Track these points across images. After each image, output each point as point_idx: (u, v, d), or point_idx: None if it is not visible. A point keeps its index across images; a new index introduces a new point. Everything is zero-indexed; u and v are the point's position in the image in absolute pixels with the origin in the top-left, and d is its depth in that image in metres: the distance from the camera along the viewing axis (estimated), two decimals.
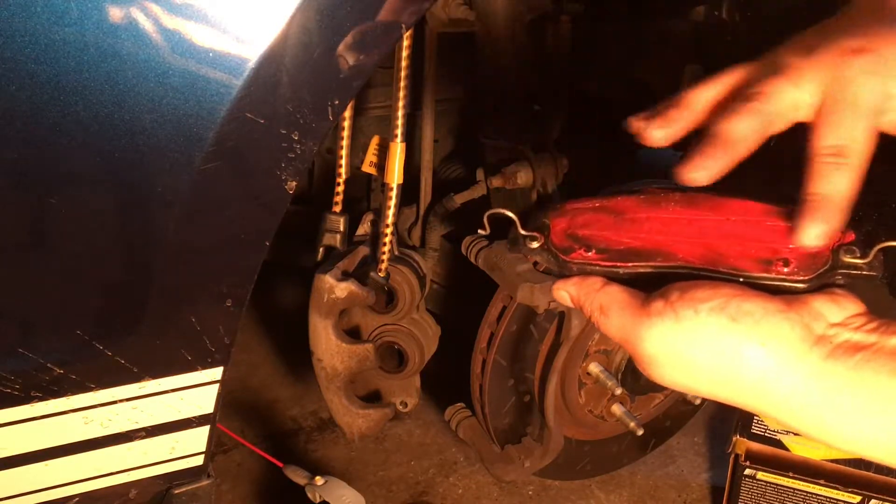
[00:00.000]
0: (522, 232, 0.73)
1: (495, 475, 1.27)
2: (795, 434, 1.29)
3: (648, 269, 0.67)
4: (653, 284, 0.64)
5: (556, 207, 0.81)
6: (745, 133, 0.61)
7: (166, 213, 0.69)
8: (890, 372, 0.52)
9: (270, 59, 0.65)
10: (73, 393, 0.75)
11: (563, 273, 0.71)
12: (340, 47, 0.68)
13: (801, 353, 0.55)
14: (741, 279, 0.64)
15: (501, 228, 1.35)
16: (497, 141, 1.34)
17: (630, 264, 0.67)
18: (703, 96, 0.68)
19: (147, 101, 0.64)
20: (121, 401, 0.78)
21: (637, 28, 1.65)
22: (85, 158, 0.65)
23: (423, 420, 1.61)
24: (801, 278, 0.63)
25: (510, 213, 0.76)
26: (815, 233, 0.60)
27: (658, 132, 0.67)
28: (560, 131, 1.45)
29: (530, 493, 1.46)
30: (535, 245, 0.72)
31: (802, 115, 0.62)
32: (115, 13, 0.61)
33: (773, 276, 0.64)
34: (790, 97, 0.61)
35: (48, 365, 0.72)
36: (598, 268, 0.68)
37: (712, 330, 0.58)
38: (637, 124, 0.67)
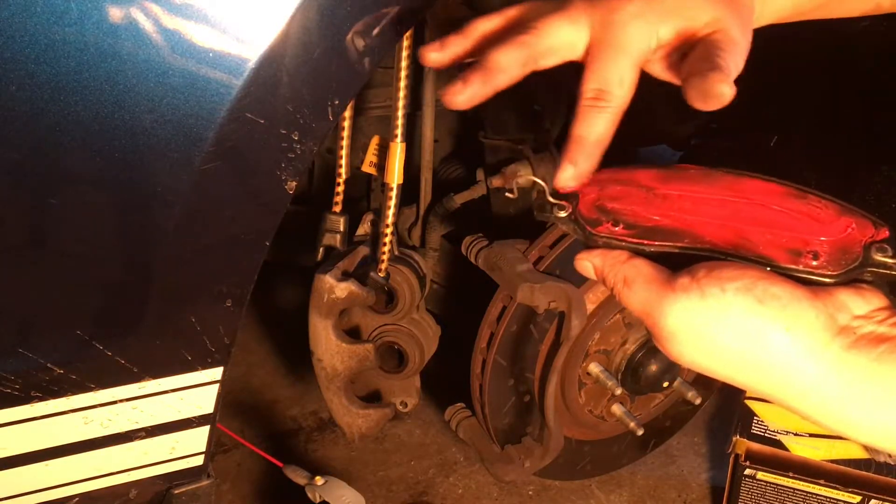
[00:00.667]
0: (551, 199, 0.70)
1: (495, 475, 1.27)
2: (796, 434, 1.29)
3: (675, 249, 0.66)
4: (679, 265, 0.63)
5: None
6: (508, 63, 0.63)
7: (166, 213, 0.69)
8: None
9: (270, 59, 0.65)
10: (74, 393, 0.75)
11: (588, 245, 0.70)
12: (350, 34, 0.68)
13: (825, 342, 0.55)
14: (769, 268, 0.63)
15: (502, 229, 1.35)
16: (497, 141, 1.34)
17: (657, 242, 0.66)
18: (484, 26, 0.70)
19: (147, 102, 0.64)
20: (121, 401, 0.78)
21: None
22: (85, 158, 0.65)
23: (423, 420, 1.61)
24: (830, 273, 0.63)
25: (539, 180, 0.74)
26: (567, 175, 0.64)
27: (434, 54, 0.69)
28: (560, 131, 1.45)
29: (530, 493, 1.46)
30: (562, 214, 0.70)
31: (578, 55, 0.65)
32: (115, 13, 0.61)
33: (801, 267, 0.63)
34: (565, 35, 0.64)
35: (48, 365, 0.72)
36: (624, 243, 0.67)
37: (737, 310, 0.57)
38: (420, 49, 0.69)
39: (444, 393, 1.44)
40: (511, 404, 1.24)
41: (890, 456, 1.25)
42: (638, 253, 0.68)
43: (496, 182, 1.32)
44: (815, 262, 0.63)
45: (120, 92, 0.63)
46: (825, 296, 0.58)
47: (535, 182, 0.77)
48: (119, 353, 0.75)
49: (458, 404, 1.31)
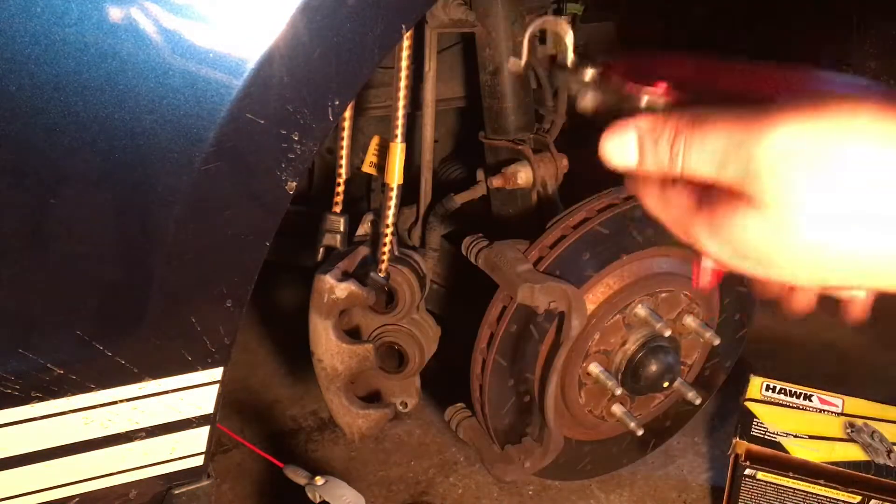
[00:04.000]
0: (573, 58, 0.57)
1: (495, 475, 1.27)
2: (796, 437, 1.29)
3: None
4: None
5: (618, 52, 0.68)
6: None
7: (166, 214, 0.69)
8: None
9: (270, 60, 0.65)
10: (74, 393, 0.75)
11: (627, 112, 0.54)
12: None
13: None
14: None
15: (502, 229, 1.35)
16: (497, 141, 1.34)
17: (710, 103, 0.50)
18: None
19: (147, 102, 0.64)
20: (121, 401, 0.78)
21: (638, 28, 1.65)
22: (85, 159, 0.65)
23: (423, 420, 1.61)
24: None
25: (561, 31, 0.60)
26: None
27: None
28: (560, 131, 1.45)
29: (530, 493, 1.46)
30: (590, 74, 0.56)
31: None
32: (115, 14, 0.61)
33: None
34: None
35: (48, 365, 0.72)
36: (675, 105, 0.52)
37: (874, 135, 0.42)
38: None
39: (444, 393, 1.44)
40: (511, 404, 1.24)
41: (889, 457, 1.25)
42: None
43: (496, 182, 1.32)
44: None
45: (120, 92, 0.63)
46: None
47: (559, 33, 0.63)
48: (119, 353, 0.75)
49: (458, 404, 1.31)
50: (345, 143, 1.12)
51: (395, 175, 1.09)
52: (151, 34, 0.62)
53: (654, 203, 0.53)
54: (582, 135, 1.64)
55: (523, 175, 1.29)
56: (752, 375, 1.40)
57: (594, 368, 1.22)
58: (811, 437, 1.29)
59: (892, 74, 1.28)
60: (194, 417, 0.83)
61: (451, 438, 1.54)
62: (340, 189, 1.14)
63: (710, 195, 0.48)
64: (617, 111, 0.55)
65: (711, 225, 0.48)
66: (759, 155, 0.43)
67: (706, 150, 0.46)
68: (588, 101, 0.58)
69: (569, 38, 0.58)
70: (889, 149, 0.41)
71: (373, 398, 1.35)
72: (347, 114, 1.12)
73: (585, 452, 1.38)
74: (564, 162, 1.31)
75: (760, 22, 1.52)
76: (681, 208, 0.51)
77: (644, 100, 0.54)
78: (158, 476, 0.86)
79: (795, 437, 1.29)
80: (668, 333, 1.19)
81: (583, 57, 0.57)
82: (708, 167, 0.46)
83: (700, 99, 0.52)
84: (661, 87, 0.53)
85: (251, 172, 0.72)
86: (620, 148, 0.52)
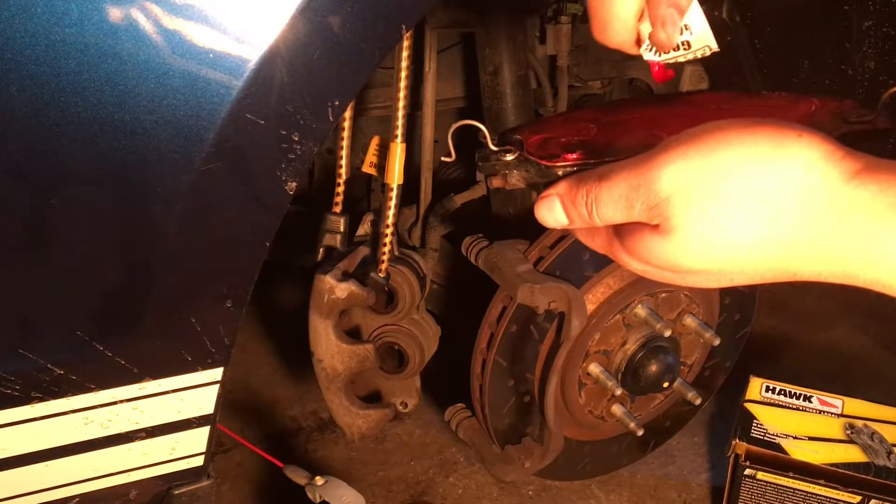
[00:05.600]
0: (493, 147, 0.66)
1: (495, 475, 1.27)
2: (795, 438, 1.29)
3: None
4: None
5: (528, 125, 0.76)
6: None
7: (167, 214, 0.69)
8: None
9: (270, 60, 0.65)
10: (74, 393, 0.75)
11: (548, 182, 0.62)
12: None
13: (838, 178, 0.50)
14: None
15: (502, 229, 1.35)
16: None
17: (616, 158, 0.58)
18: None
19: (147, 102, 0.64)
20: (121, 401, 0.78)
21: None
22: (85, 159, 0.65)
23: (423, 420, 1.61)
24: None
25: (478, 124, 0.68)
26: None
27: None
28: None
29: (530, 493, 1.46)
30: (509, 158, 0.65)
31: None
32: (116, 14, 0.61)
33: None
34: None
35: (48, 366, 0.72)
36: (586, 165, 0.60)
37: (749, 156, 0.51)
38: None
39: (444, 393, 1.44)
40: (511, 404, 1.24)
41: (889, 458, 1.25)
42: None
43: (496, 182, 1.32)
44: None
45: (120, 93, 0.63)
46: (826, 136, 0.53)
47: (477, 127, 0.72)
48: (119, 353, 0.75)
49: (458, 404, 1.31)
50: (345, 143, 1.12)
51: (395, 175, 1.09)
52: (151, 34, 0.62)
53: (584, 237, 0.63)
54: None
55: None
56: (752, 376, 1.40)
57: (594, 368, 1.22)
58: (811, 439, 1.29)
59: (892, 74, 1.28)
60: (194, 418, 0.83)
61: (451, 438, 1.54)
62: (340, 189, 1.14)
63: (624, 228, 0.57)
64: (542, 182, 0.64)
65: (631, 252, 0.57)
66: (653, 194, 0.53)
67: (613, 201, 0.56)
68: (515, 179, 0.67)
69: (487, 133, 0.65)
70: (753, 178, 0.50)
71: (373, 398, 1.35)
72: (347, 114, 1.12)
73: (585, 452, 1.38)
74: None
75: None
76: (605, 240, 0.61)
77: (560, 171, 0.62)
78: (158, 476, 0.86)
79: (795, 438, 1.29)
80: (668, 333, 1.19)
81: (500, 142, 0.64)
82: (619, 214, 0.56)
83: (606, 153, 0.61)
84: (572, 157, 0.62)
85: (251, 173, 0.72)
86: (550, 214, 0.61)
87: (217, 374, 0.81)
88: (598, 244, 0.62)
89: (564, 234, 1.15)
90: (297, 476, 1.10)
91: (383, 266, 1.17)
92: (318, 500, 1.07)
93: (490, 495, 1.45)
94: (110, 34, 0.61)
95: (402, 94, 1.04)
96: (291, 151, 0.71)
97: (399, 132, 1.07)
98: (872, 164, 0.50)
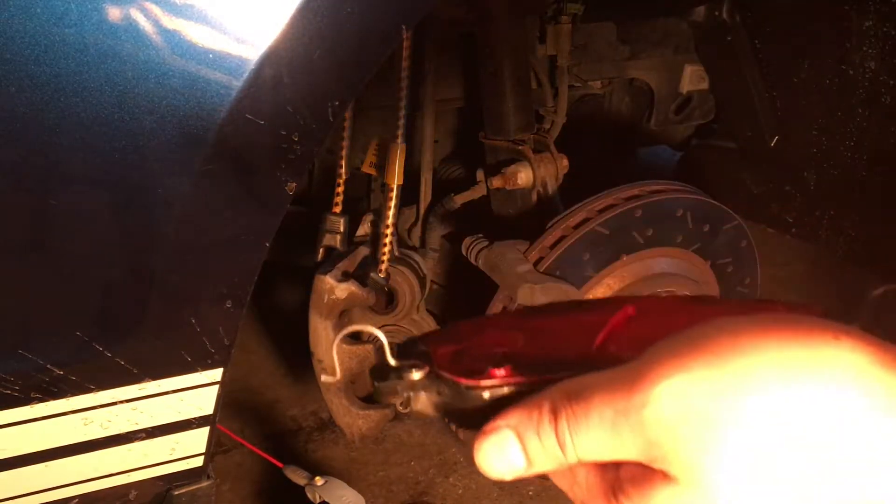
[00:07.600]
0: (393, 362, 0.50)
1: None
2: None
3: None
4: None
5: (436, 332, 0.63)
6: None
7: (166, 214, 0.69)
8: None
9: (270, 60, 0.65)
10: (73, 394, 0.75)
11: (466, 412, 0.47)
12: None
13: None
14: None
15: (502, 229, 1.35)
16: (497, 141, 1.34)
17: (562, 374, 0.42)
18: None
19: (147, 102, 0.64)
20: (121, 402, 0.78)
21: (638, 28, 1.65)
22: (85, 159, 0.65)
23: (423, 420, 1.61)
24: None
25: (377, 331, 0.52)
26: None
27: None
28: (560, 131, 1.45)
29: (530, 493, 1.46)
30: (416, 376, 0.50)
31: None
32: (115, 14, 0.61)
33: None
34: None
35: (48, 366, 0.72)
36: (524, 385, 0.45)
37: (770, 373, 0.35)
38: None
39: None
40: None
41: None
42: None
43: (496, 182, 1.32)
44: None
45: (120, 93, 0.63)
46: None
47: (375, 335, 0.55)
48: (119, 354, 0.75)
49: None
50: (345, 143, 1.12)
51: (396, 175, 1.09)
52: (151, 34, 0.62)
53: (562, 482, 0.45)
54: (582, 135, 1.64)
55: (523, 175, 1.29)
56: None
57: None
58: None
59: (893, 74, 1.28)
60: (194, 418, 0.83)
61: (451, 439, 1.54)
62: (340, 189, 1.14)
63: (619, 474, 0.40)
64: (460, 409, 0.49)
65: None
66: (650, 421, 0.36)
67: (594, 429, 0.39)
68: (423, 404, 0.51)
69: (386, 345, 0.49)
70: (796, 395, 0.35)
71: (373, 399, 1.35)
72: (347, 114, 1.12)
73: None
74: (565, 162, 1.31)
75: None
76: (593, 488, 0.42)
77: (486, 393, 0.47)
78: (158, 477, 0.86)
79: None
80: None
81: (402, 354, 0.50)
82: (606, 448, 0.39)
83: (544, 368, 0.45)
84: (501, 373, 0.46)
85: (251, 173, 0.72)
86: (501, 456, 0.44)
87: (217, 374, 0.81)
88: (578, 495, 0.43)
89: (564, 236, 1.15)
90: (297, 476, 1.10)
91: (383, 266, 1.17)
92: (318, 501, 1.07)
93: (490, 496, 1.45)
94: (110, 34, 0.61)
95: (402, 95, 1.04)
96: (291, 152, 0.71)
97: (399, 132, 1.07)
98: None
